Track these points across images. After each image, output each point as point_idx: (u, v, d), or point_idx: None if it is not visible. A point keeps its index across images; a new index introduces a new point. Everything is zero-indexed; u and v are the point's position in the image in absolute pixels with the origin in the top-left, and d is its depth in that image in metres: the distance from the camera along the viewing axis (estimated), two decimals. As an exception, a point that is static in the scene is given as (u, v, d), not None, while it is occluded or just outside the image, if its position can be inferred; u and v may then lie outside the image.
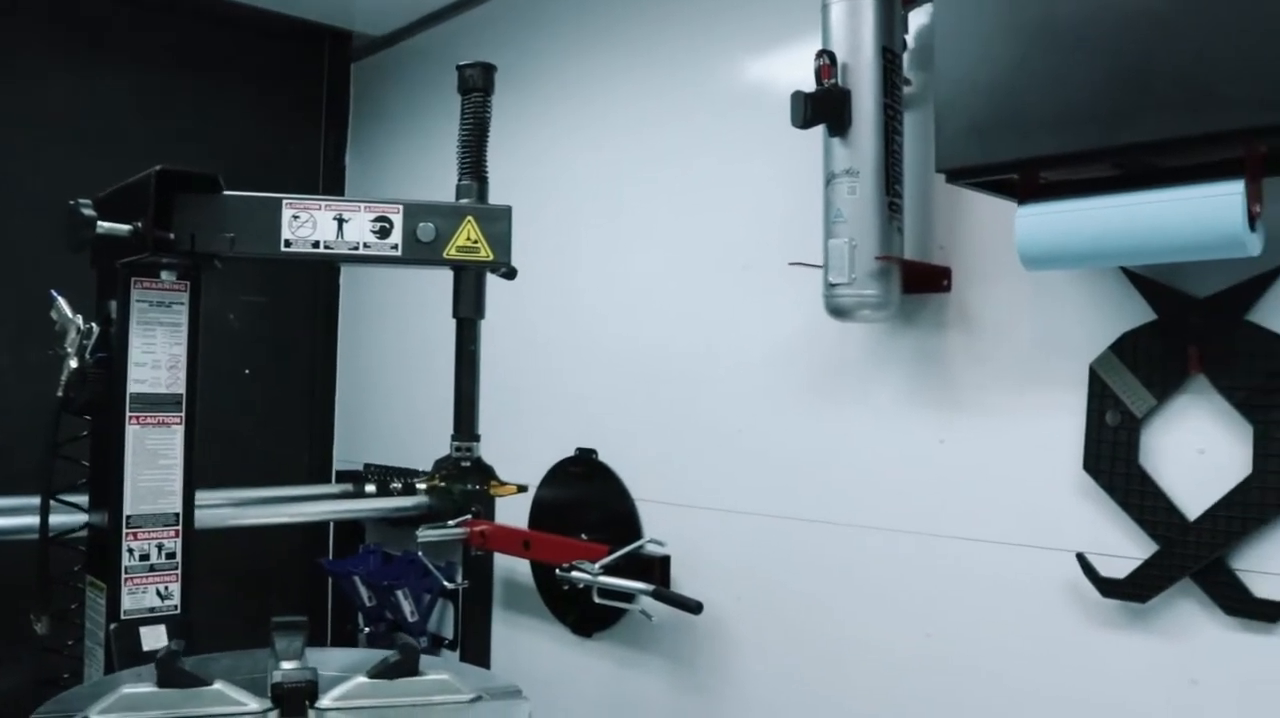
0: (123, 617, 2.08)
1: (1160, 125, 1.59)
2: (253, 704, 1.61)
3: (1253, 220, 1.61)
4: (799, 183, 2.34)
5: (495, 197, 2.06)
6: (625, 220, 2.92)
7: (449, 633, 3.39)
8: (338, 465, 4.02)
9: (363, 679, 1.66)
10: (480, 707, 1.68)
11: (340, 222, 2.04)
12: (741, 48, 2.63)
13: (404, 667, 1.68)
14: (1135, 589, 1.89)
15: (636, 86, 2.92)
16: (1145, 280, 1.90)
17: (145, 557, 2.12)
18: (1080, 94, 1.67)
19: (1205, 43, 1.55)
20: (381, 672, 1.67)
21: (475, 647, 3.19)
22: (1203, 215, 1.62)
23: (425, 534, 2.91)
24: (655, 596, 2.45)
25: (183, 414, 2.18)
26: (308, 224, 2.03)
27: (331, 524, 3.87)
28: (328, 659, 1.79)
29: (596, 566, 2.54)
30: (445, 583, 3.12)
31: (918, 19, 2.21)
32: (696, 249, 2.71)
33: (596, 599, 2.55)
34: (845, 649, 2.33)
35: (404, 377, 3.71)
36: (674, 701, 2.69)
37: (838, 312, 2.13)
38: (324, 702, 1.63)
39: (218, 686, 1.61)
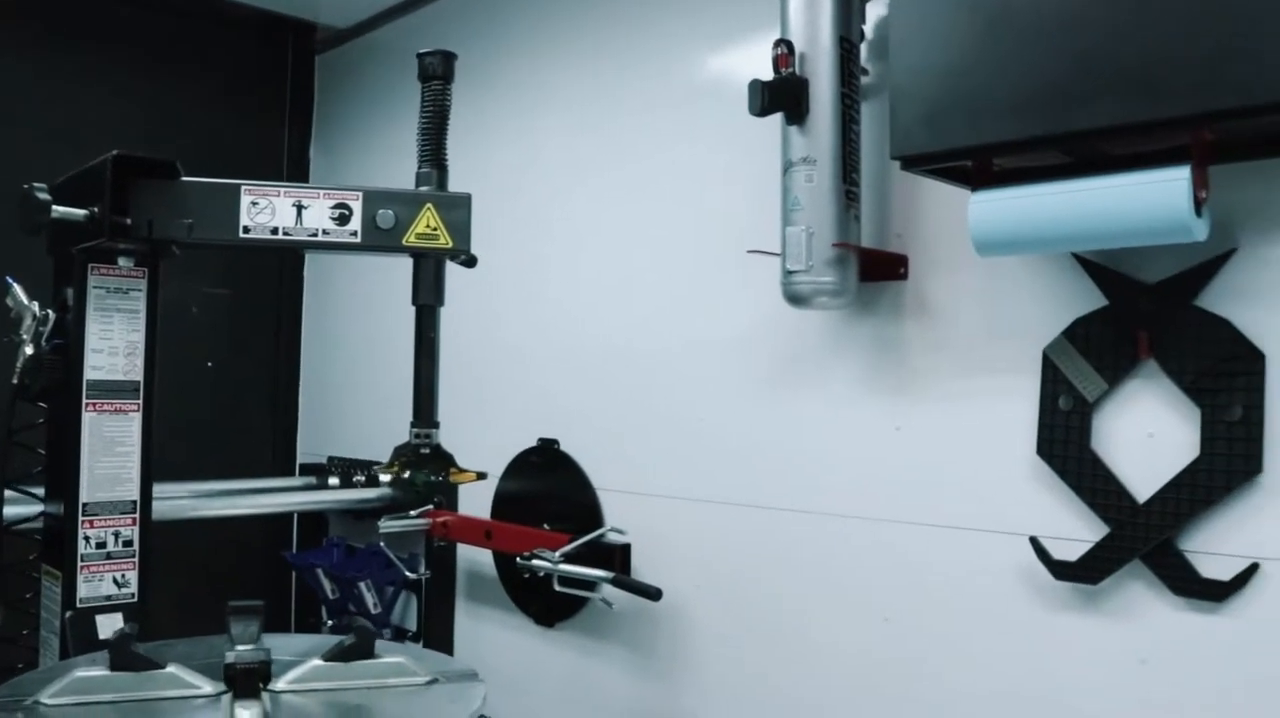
0: (78, 605, 2.07)
1: (1109, 112, 1.62)
2: (206, 687, 1.61)
3: (1199, 206, 1.64)
4: (760, 172, 2.35)
5: (460, 188, 2.07)
6: (589, 211, 2.93)
7: (413, 626, 3.38)
8: (301, 459, 4.00)
9: (318, 662, 1.67)
10: (436, 689, 1.68)
11: (299, 208, 2.04)
12: (704, 39, 2.64)
13: (359, 650, 1.68)
14: (1087, 572, 1.91)
15: (600, 79, 2.93)
16: (1097, 267, 1.93)
17: (102, 545, 2.11)
18: (1031, 82, 1.69)
19: (1153, 31, 1.58)
20: (337, 655, 1.67)
21: (438, 638, 3.18)
22: (1150, 200, 1.64)
23: (387, 525, 2.91)
24: (615, 583, 2.46)
25: (140, 402, 2.17)
26: (266, 210, 2.03)
27: (295, 517, 3.85)
28: (285, 644, 1.79)
29: (557, 554, 2.55)
30: (408, 574, 3.11)
31: (875, 9, 2.23)
32: (659, 239, 2.72)
33: (557, 588, 2.56)
34: (803, 635, 2.35)
35: (368, 370, 3.70)
36: (635, 688, 2.70)
37: (795, 299, 2.14)
38: (278, 685, 1.63)
39: (171, 668, 1.61)
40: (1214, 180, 1.68)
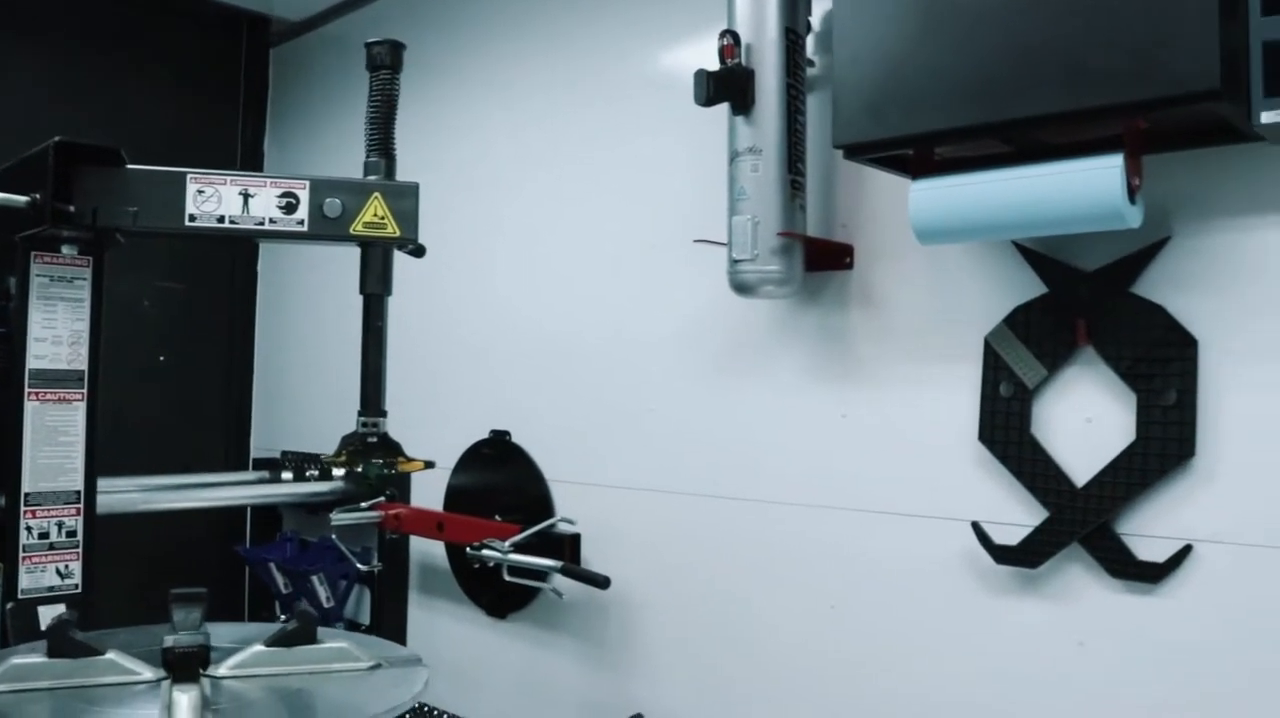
0: (20, 596, 2.05)
1: (1043, 101, 1.65)
2: (146, 673, 1.60)
3: (1132, 193, 1.67)
4: (708, 163, 2.36)
5: (414, 181, 2.06)
6: (541, 204, 2.94)
7: (366, 619, 3.37)
8: (255, 453, 3.98)
9: (259, 648, 1.66)
10: (379, 674, 1.68)
11: (246, 197, 2.04)
12: (655, 32, 2.65)
13: (301, 635, 1.68)
14: (1027, 556, 1.94)
15: (553, 71, 2.93)
16: (1037, 255, 1.96)
17: (45, 535, 2.09)
18: (969, 71, 1.72)
19: (1087, 21, 1.61)
20: (278, 640, 1.67)
21: (391, 631, 3.17)
22: (1084, 187, 1.67)
23: (339, 517, 2.90)
24: (564, 572, 2.47)
25: (85, 391, 2.16)
26: (213, 199, 2.02)
27: (249, 512, 3.84)
28: (228, 632, 1.78)
29: (507, 544, 2.55)
30: (360, 566, 3.10)
31: (821, 2, 2.24)
32: (611, 231, 2.73)
33: (507, 578, 2.56)
34: (751, 622, 2.37)
35: (323, 364, 3.68)
36: (586, 678, 2.71)
37: (741, 288, 2.16)
38: (219, 670, 1.62)
39: (110, 655, 1.60)
40: (1149, 170, 1.72)
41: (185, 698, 1.46)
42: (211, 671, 1.62)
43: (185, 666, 1.56)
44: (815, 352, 2.28)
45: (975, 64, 1.71)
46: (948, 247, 2.06)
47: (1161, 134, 1.71)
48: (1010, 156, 1.79)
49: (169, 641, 1.60)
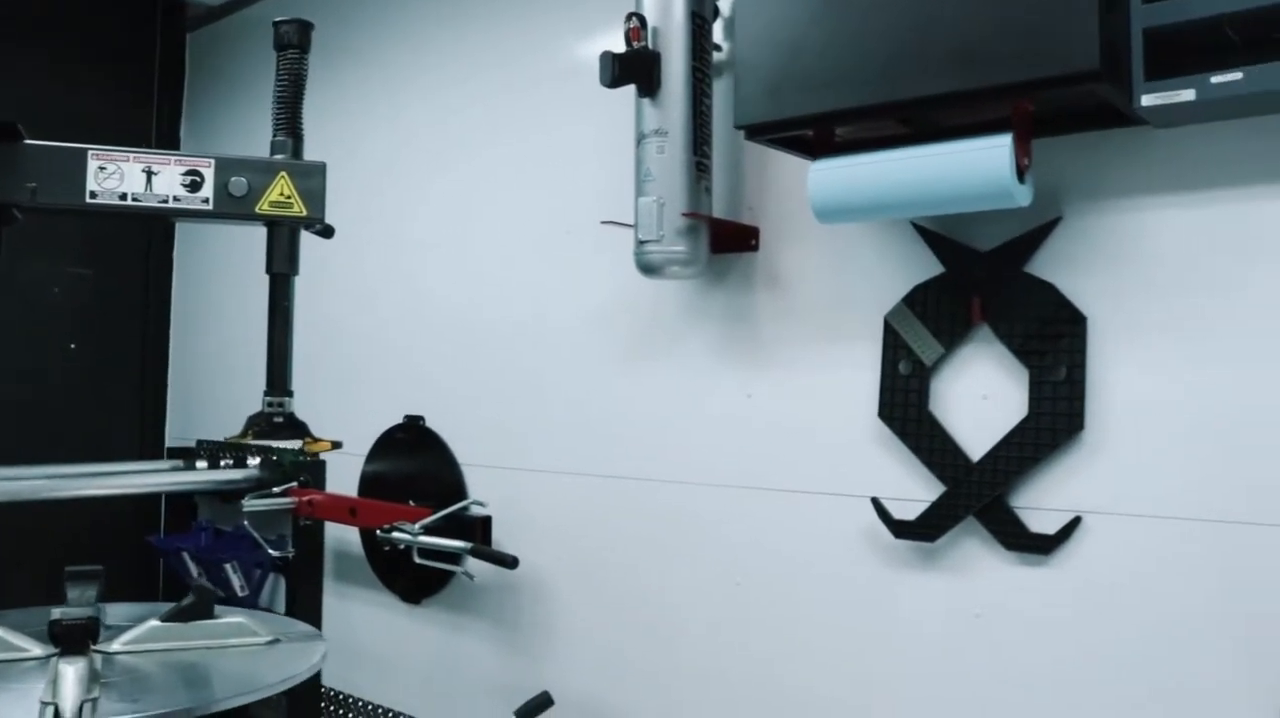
0: (-87, 578, 2.01)
1: (934, 82, 1.69)
2: (35, 650, 1.58)
3: (1021, 173, 1.71)
4: (620, 148, 2.37)
5: (336, 167, 2.05)
6: (460, 190, 2.93)
7: (282, 608, 3.34)
8: (170, 443, 3.93)
9: (155, 623, 1.65)
10: (277, 649, 1.67)
11: (149, 174, 2.01)
12: (573, 18, 2.66)
13: (198, 610, 1.66)
14: (925, 529, 1.98)
15: (474, 59, 2.93)
16: (934, 235, 2.00)
17: (-62, 517, 2.05)
18: (865, 53, 1.76)
19: (976, 5, 1.65)
20: (174, 615, 1.65)
21: (306, 618, 3.14)
22: (975, 166, 1.71)
23: (251, 504, 2.86)
24: (473, 552, 2.47)
25: (-19, 371, 2.12)
26: (115, 176, 1.99)
27: (163, 502, 3.78)
28: (126, 610, 1.76)
29: (417, 526, 2.54)
30: (271, 553, 3.07)
31: (729, -12, 2.27)
32: (526, 216, 2.74)
33: (417, 560, 2.55)
34: (657, 601, 2.39)
35: (240, 354, 3.64)
36: (500, 661, 2.71)
37: (647, 269, 2.17)
38: (113, 646, 1.61)
39: (-1, 632, 1.58)
40: (1040, 153, 1.77)
41: (72, 671, 1.44)
42: (104, 646, 1.60)
43: (73, 638, 1.54)
44: (722, 333, 2.30)
45: (870, 46, 1.75)
46: (850, 228, 2.10)
47: (1051, 117, 1.77)
48: (908, 138, 1.83)
49: (56, 613, 1.58)
